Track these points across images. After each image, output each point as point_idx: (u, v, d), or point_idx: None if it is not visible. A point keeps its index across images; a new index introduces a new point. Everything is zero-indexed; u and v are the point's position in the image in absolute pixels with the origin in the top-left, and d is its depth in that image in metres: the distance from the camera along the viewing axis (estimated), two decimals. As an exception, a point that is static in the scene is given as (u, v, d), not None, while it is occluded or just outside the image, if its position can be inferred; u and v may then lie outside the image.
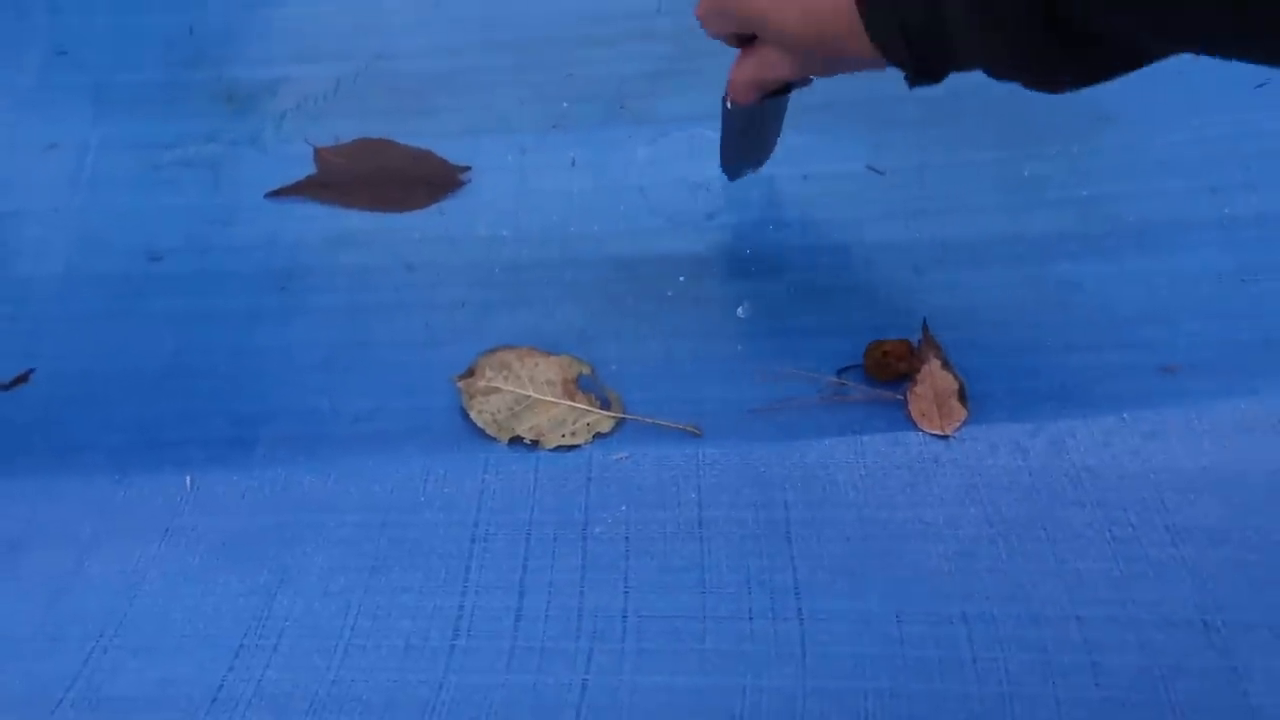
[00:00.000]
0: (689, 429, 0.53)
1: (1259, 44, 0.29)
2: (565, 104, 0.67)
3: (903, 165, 0.62)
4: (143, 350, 0.60)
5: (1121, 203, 0.59)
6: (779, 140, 0.58)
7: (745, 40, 0.48)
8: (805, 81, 0.50)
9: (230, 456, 0.55)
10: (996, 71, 0.37)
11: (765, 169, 0.61)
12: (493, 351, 0.57)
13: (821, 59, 0.44)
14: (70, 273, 0.63)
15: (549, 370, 0.55)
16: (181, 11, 0.73)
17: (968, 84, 0.63)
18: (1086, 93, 0.59)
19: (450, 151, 0.66)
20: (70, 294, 0.63)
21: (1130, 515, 0.47)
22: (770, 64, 0.46)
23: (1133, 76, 0.56)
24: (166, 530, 0.52)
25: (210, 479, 0.54)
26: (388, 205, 0.64)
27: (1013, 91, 0.62)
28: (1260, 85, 0.60)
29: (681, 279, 0.59)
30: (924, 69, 0.40)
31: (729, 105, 0.52)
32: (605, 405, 0.54)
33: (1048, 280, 0.57)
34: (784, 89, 0.51)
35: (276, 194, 0.65)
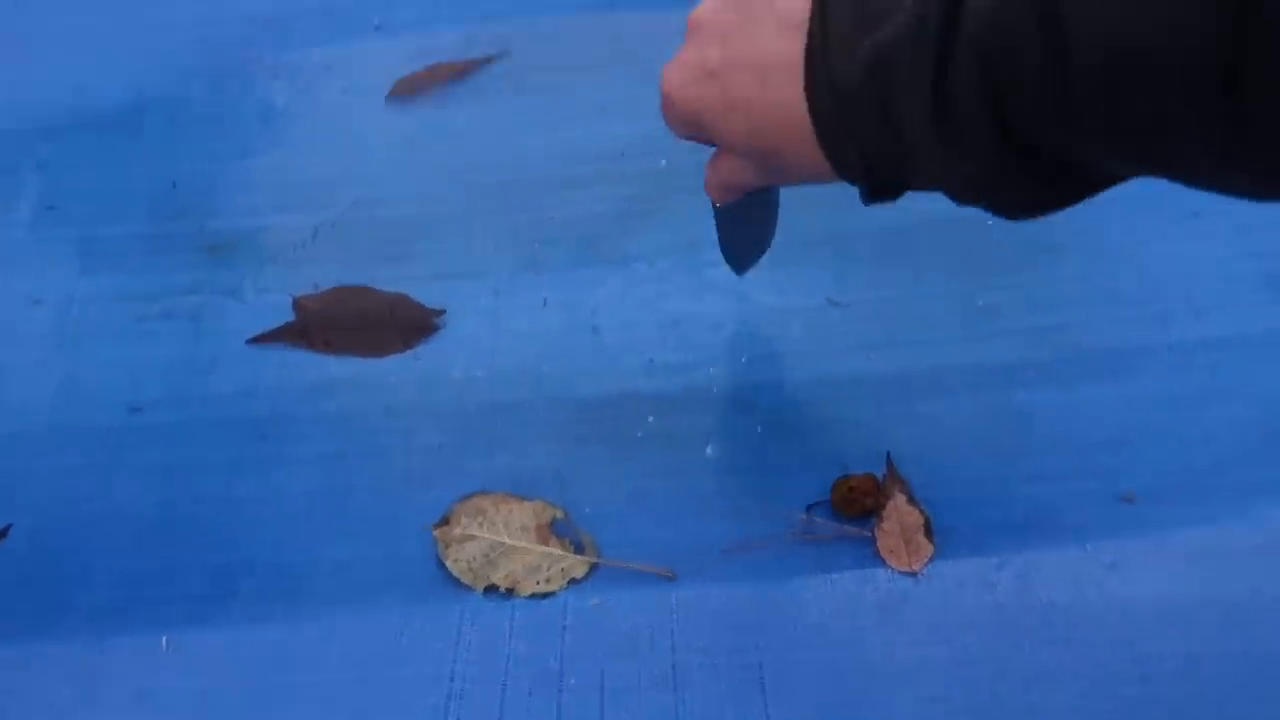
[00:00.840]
0: (662, 572, 0.54)
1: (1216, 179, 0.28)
2: (537, 245, 0.70)
3: (861, 299, 0.64)
4: (122, 505, 0.60)
5: (1073, 331, 0.61)
6: (776, 230, 0.57)
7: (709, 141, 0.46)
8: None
9: (208, 613, 0.55)
10: (956, 192, 0.36)
11: (730, 302, 0.63)
12: (468, 498, 0.58)
13: (778, 169, 0.42)
14: (52, 427, 0.64)
15: (523, 515, 0.56)
16: (166, 166, 0.75)
17: (921, 218, 0.66)
18: (1035, 225, 0.62)
19: (426, 295, 0.68)
20: (51, 448, 0.64)
21: (1099, 652, 0.48)
22: (732, 170, 0.44)
23: (1077, 209, 0.59)
24: (140, 694, 0.51)
25: (187, 638, 0.54)
26: (365, 351, 0.66)
27: (964, 224, 0.65)
28: (1195, 215, 0.63)
29: (651, 418, 0.60)
30: (880, 186, 0.38)
31: (715, 205, 0.51)
32: (579, 549, 0.55)
33: (1006, 409, 0.58)
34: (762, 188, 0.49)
35: (256, 340, 0.67)
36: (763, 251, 0.59)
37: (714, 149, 0.46)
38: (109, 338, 0.68)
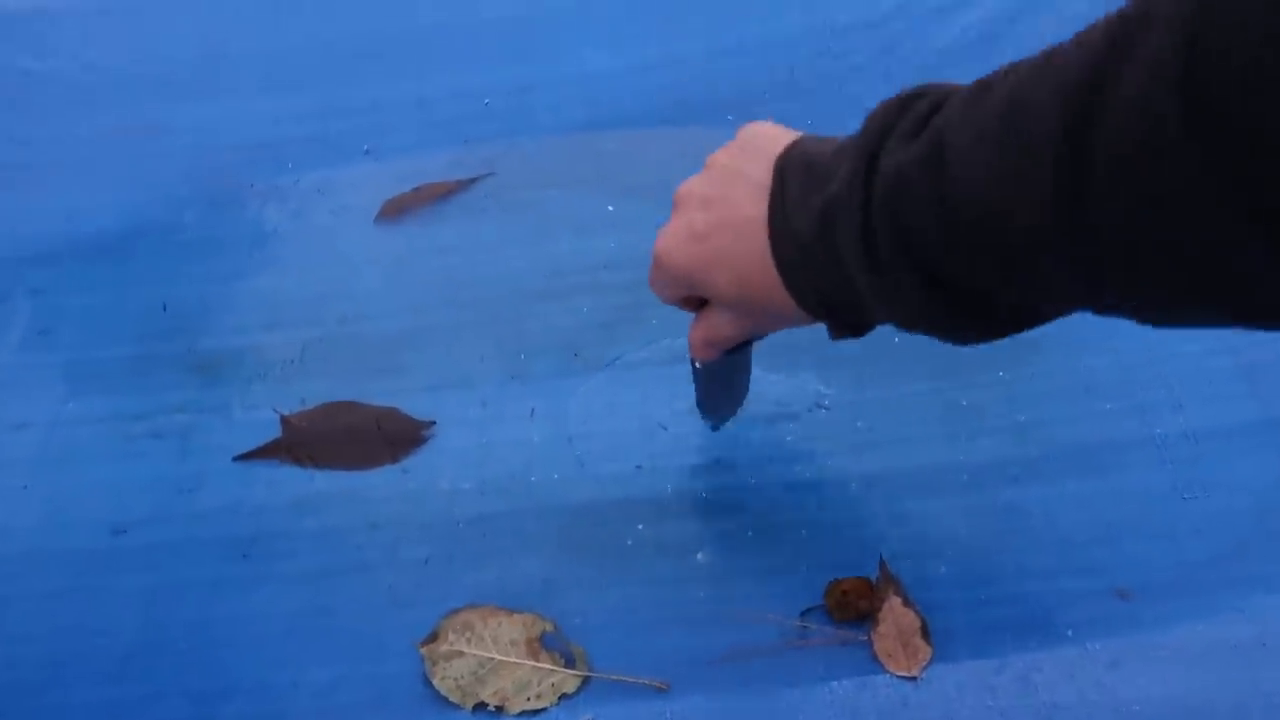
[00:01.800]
0: (655, 684, 0.53)
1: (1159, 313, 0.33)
2: (524, 356, 0.71)
3: (847, 400, 0.64)
4: (103, 630, 0.59)
5: (1056, 426, 0.62)
6: (750, 386, 0.61)
7: (697, 303, 0.52)
8: (760, 334, 0.53)
9: (187, 743, 0.53)
10: (908, 328, 0.40)
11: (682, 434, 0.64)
12: (455, 613, 0.56)
13: (760, 318, 0.48)
14: (33, 552, 0.63)
15: (512, 629, 0.55)
16: (157, 289, 0.77)
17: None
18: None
19: (414, 407, 0.68)
20: (32, 574, 0.62)
21: (1104, 754, 0.46)
22: (719, 325, 0.50)
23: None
24: (115, 832, 0.49)
25: (165, 770, 0.52)
26: (353, 464, 0.66)
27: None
28: (1167, 311, 0.65)
29: (640, 526, 0.60)
30: (844, 326, 0.44)
31: (696, 365, 0.55)
32: (570, 662, 0.54)
33: (995, 507, 0.58)
34: (743, 343, 0.53)
35: (243, 458, 0.66)
36: (738, 406, 0.62)
37: (693, 316, 0.52)
38: (95, 459, 0.68)
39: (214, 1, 0.95)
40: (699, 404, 0.61)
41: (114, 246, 0.81)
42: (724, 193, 0.45)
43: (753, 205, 0.42)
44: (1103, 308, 0.34)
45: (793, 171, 0.41)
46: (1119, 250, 0.29)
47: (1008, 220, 0.31)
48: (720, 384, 0.59)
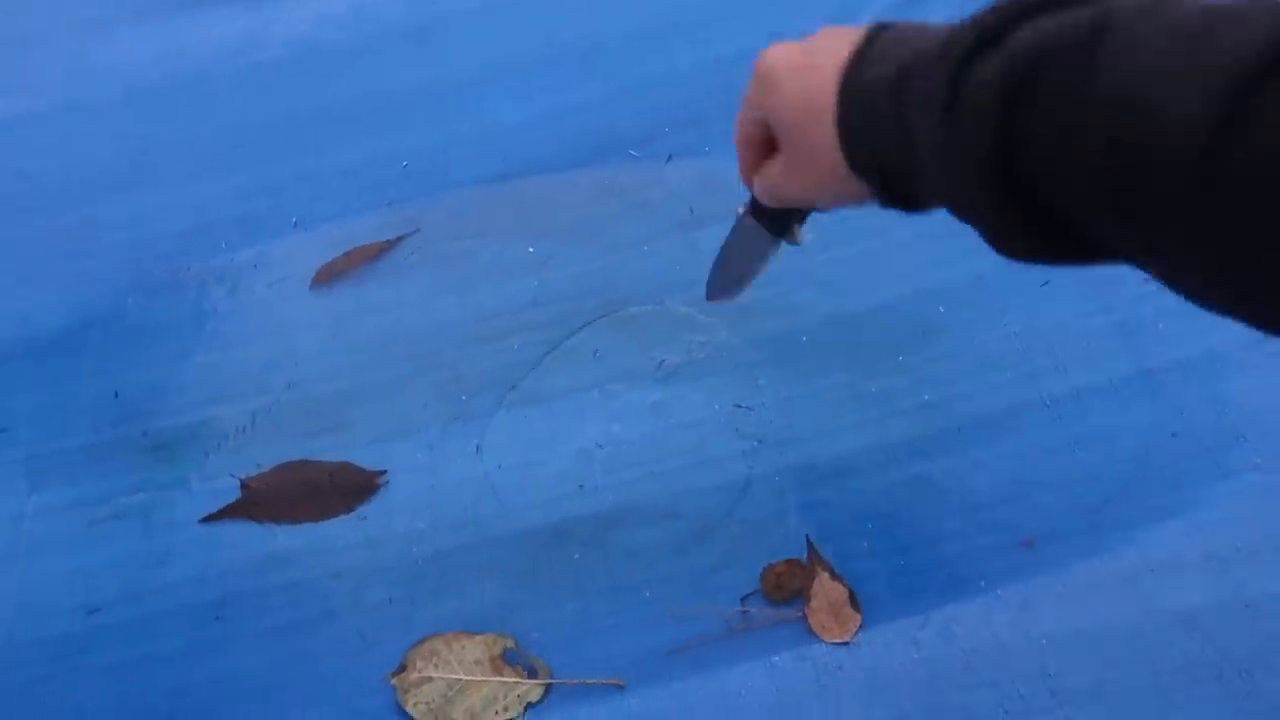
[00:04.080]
0: (613, 682, 0.56)
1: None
2: (464, 398, 0.75)
3: (765, 401, 0.69)
4: (85, 710, 0.62)
5: (958, 401, 0.67)
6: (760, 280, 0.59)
7: (759, 148, 0.48)
8: (811, 203, 0.49)
9: (177, 800, 0.56)
10: (954, 208, 0.37)
11: (646, 422, 0.68)
12: (421, 642, 0.60)
13: (810, 170, 0.44)
14: (10, 641, 0.66)
15: (475, 650, 0.59)
16: (107, 378, 0.80)
17: (810, 321, 0.72)
18: (910, 310, 0.68)
19: (365, 459, 0.72)
20: (10, 662, 0.65)
21: (1018, 687, 0.51)
22: (780, 178, 0.46)
23: (943, 291, 0.66)
24: None
25: (158, 827, 0.54)
26: (311, 518, 0.69)
27: (850, 320, 0.72)
28: (1044, 284, 0.70)
29: (587, 541, 0.64)
30: (892, 195, 0.40)
31: (740, 213, 0.55)
32: (532, 674, 0.58)
33: (909, 481, 0.63)
34: (784, 224, 0.53)
35: (209, 519, 0.70)
36: (739, 290, 0.61)
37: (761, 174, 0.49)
38: (62, 547, 0.70)
39: (136, 99, 0.99)
40: (712, 270, 0.60)
41: (62, 342, 0.84)
42: (828, 44, 0.42)
43: (843, 44, 0.40)
44: (1167, 272, 0.30)
45: (888, 34, 0.39)
46: (1244, 217, 0.26)
47: (1153, 121, 0.27)
48: (742, 254, 0.57)
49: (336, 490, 0.70)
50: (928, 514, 0.61)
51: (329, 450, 0.73)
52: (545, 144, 0.89)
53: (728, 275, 0.61)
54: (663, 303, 0.75)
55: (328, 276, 0.83)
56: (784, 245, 0.55)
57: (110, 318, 0.86)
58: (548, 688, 0.57)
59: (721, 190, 0.80)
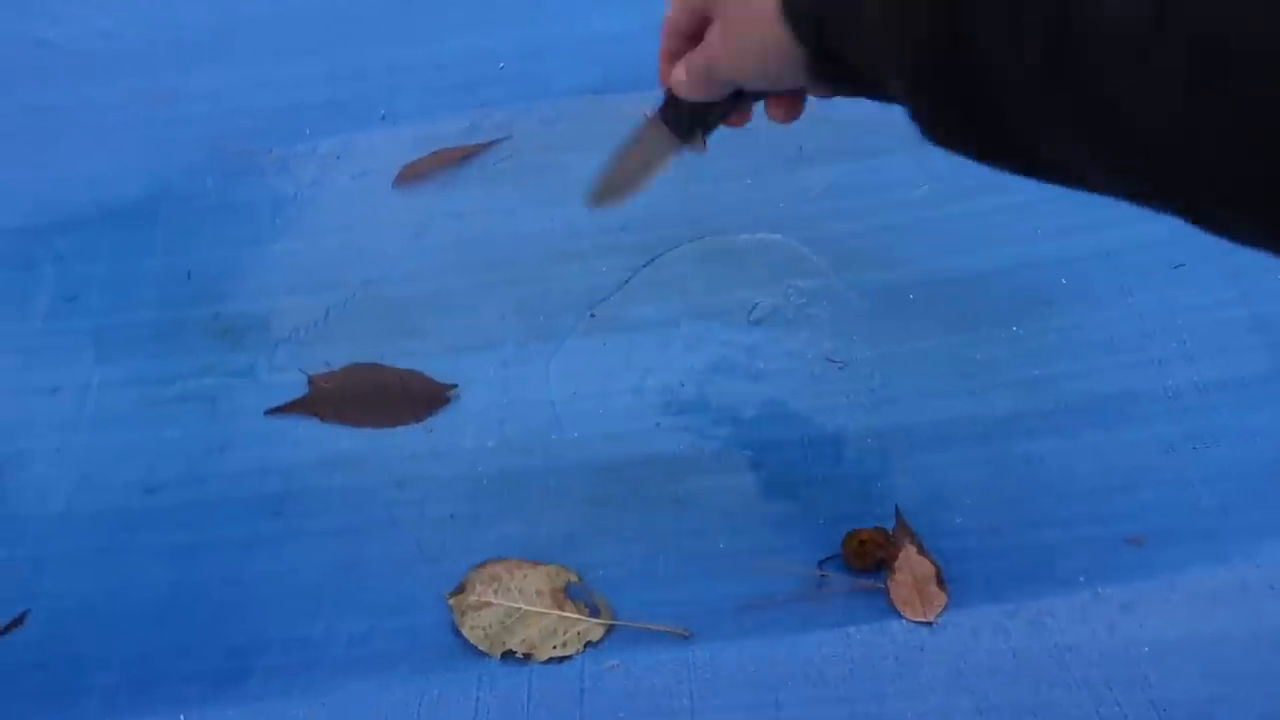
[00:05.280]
0: (678, 632, 0.54)
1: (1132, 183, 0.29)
2: (543, 318, 0.71)
3: (860, 357, 0.65)
4: (139, 586, 0.61)
5: (1070, 380, 0.62)
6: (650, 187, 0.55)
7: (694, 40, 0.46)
8: (743, 83, 0.45)
9: (224, 692, 0.55)
10: (894, 84, 0.35)
11: (733, 363, 0.64)
12: (482, 565, 0.58)
13: (744, 47, 0.41)
14: (69, 511, 0.65)
15: (538, 580, 0.57)
16: (180, 255, 0.78)
17: (914, 277, 0.68)
18: (1027, 278, 0.64)
19: (437, 370, 0.69)
20: (68, 532, 0.64)
21: (1115, 693, 0.48)
22: (709, 46, 0.43)
23: (1065, 262, 0.61)
24: (161, 775, 0.51)
25: (204, 716, 0.54)
26: (378, 423, 0.67)
27: (958, 282, 0.67)
28: (1178, 266, 0.65)
29: (660, 480, 0.61)
30: (827, 73, 0.39)
31: (646, 114, 0.52)
32: (595, 612, 0.55)
33: (1009, 459, 0.59)
34: (691, 128, 0.50)
35: (274, 411, 0.68)
36: (627, 196, 0.55)
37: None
38: (126, 422, 0.69)
39: (226, -32, 0.95)
40: (607, 168, 0.55)
41: (136, 213, 0.82)
42: None
43: None
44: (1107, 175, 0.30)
45: None
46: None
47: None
48: (644, 154, 0.53)
49: (406, 399, 0.67)
50: (1028, 496, 0.57)
51: (401, 356, 0.70)
52: (649, 58, 0.84)
53: (617, 179, 0.55)
54: (760, 236, 0.71)
55: (412, 175, 0.80)
56: (684, 151, 0.52)
57: (186, 193, 0.83)
58: (609, 628, 0.55)
59: (832, 128, 0.75)
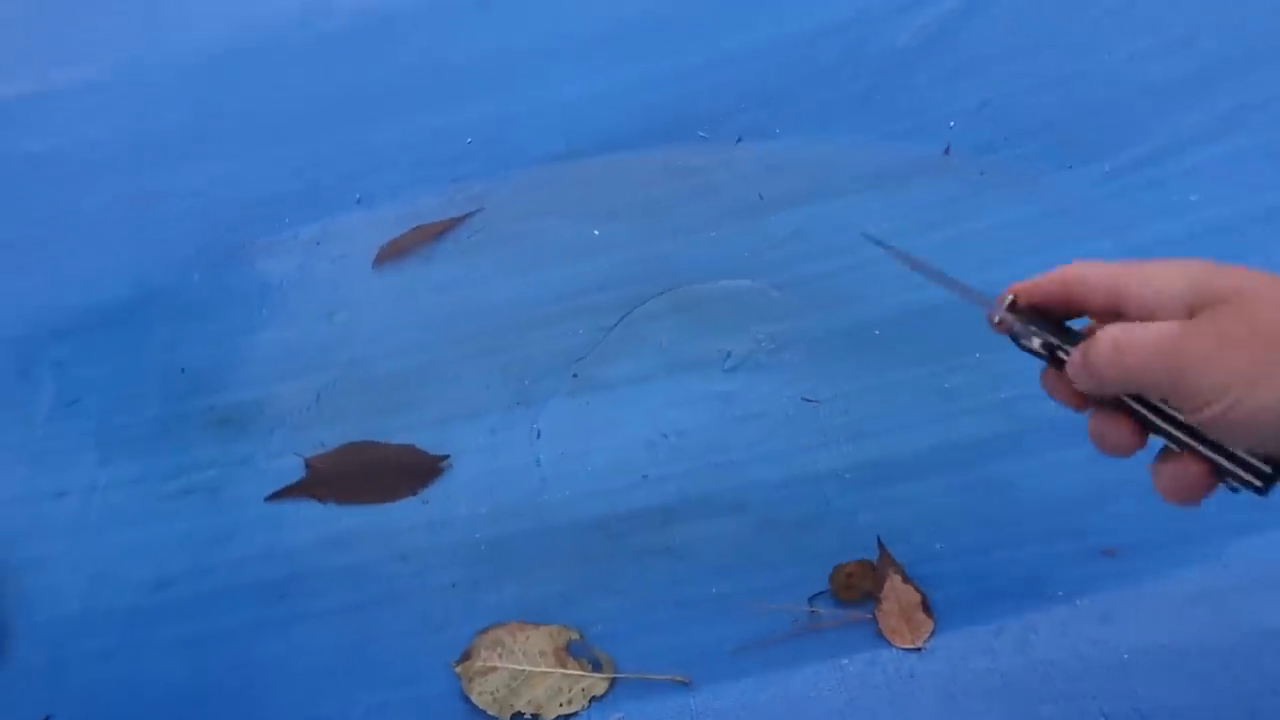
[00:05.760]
0: (678, 679, 0.56)
1: None
2: (527, 382, 0.74)
3: (834, 394, 0.68)
4: (155, 681, 0.63)
5: (1036, 401, 0.64)
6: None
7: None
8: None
9: (245, 776, 0.57)
10: None
11: (711, 412, 0.67)
12: (486, 630, 0.60)
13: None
14: (85, 612, 0.67)
15: (540, 641, 0.59)
16: (173, 351, 0.80)
17: (879, 314, 0.70)
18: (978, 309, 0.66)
19: (428, 441, 0.72)
20: (85, 633, 0.66)
21: (1101, 704, 0.49)
22: (1189, 352, 0.33)
23: (1027, 270, 0.63)
24: None
25: (228, 803, 0.55)
26: (375, 499, 0.69)
27: (923, 314, 0.70)
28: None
29: (651, 532, 0.63)
30: None
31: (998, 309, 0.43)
32: (597, 667, 0.57)
33: (983, 482, 0.61)
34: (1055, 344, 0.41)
35: (274, 497, 0.70)
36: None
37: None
38: (133, 520, 0.72)
39: (202, 68, 0.99)
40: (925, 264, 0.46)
41: (129, 313, 0.85)
42: None
43: None
44: None
45: None
46: None
47: None
48: (958, 287, 0.45)
49: (401, 473, 0.70)
50: (1004, 517, 0.59)
51: (391, 430, 0.73)
52: (612, 121, 0.88)
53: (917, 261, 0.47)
54: (729, 283, 0.74)
55: (392, 253, 0.83)
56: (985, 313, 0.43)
57: (174, 289, 0.86)
58: (612, 681, 0.56)
59: (791, 174, 0.78)
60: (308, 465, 0.71)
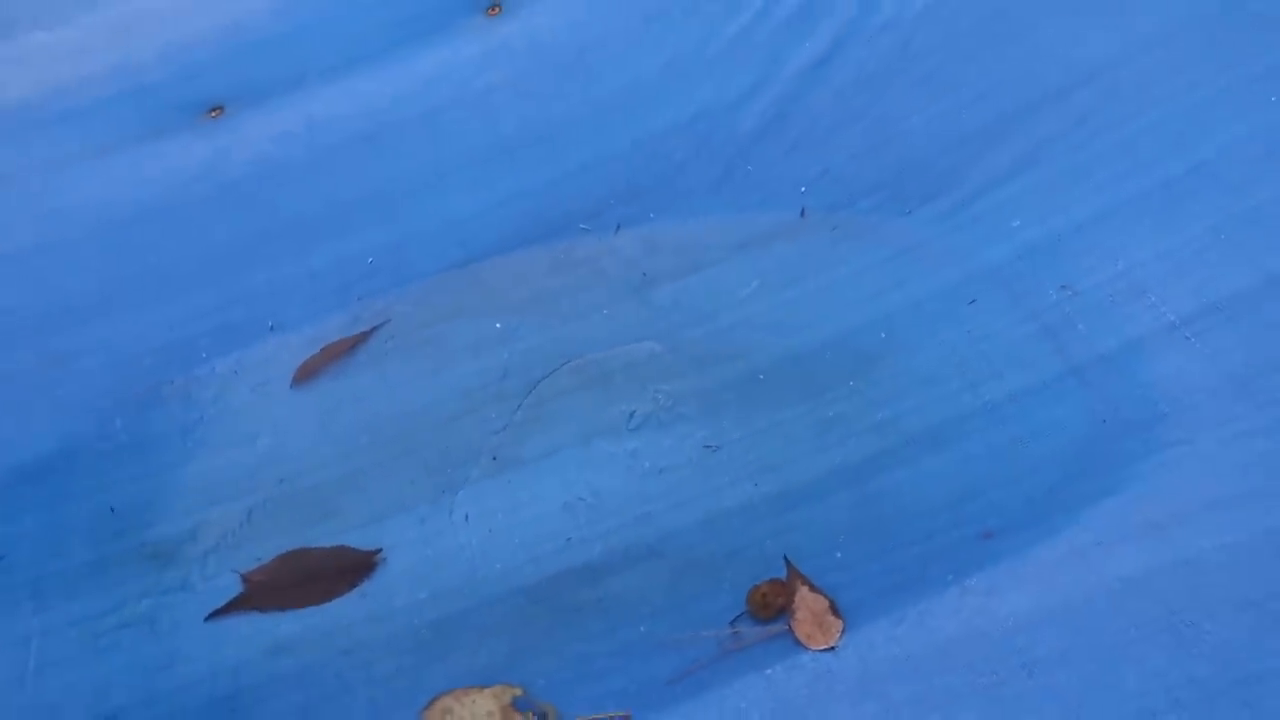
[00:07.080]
0: (621, 715, 0.60)
1: None
2: (449, 471, 0.78)
3: (732, 438, 0.74)
4: (112, 809, 0.63)
5: (907, 416, 0.72)
6: None
7: None
8: None
9: None
10: None
11: (623, 473, 0.72)
12: (434, 701, 0.63)
13: None
14: (31, 759, 0.67)
15: (486, 702, 0.62)
16: (100, 495, 0.82)
17: (763, 361, 0.78)
18: (854, 340, 0.74)
19: (360, 541, 0.75)
20: (33, 779, 0.66)
21: (993, 665, 0.55)
22: None
23: (882, 319, 0.71)
24: None
25: None
26: (315, 602, 0.72)
27: (799, 356, 0.77)
28: (972, 302, 0.77)
29: (581, 588, 0.68)
30: None
31: None
32: (542, 718, 0.60)
33: (872, 494, 0.68)
34: None
35: (214, 615, 0.72)
36: None
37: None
38: (73, 662, 0.72)
39: (105, 231, 1.03)
40: None
41: (53, 468, 0.86)
42: None
43: None
44: None
45: None
46: None
47: None
48: None
49: (337, 572, 0.73)
50: (893, 522, 0.66)
51: (324, 537, 0.76)
52: (501, 227, 0.95)
53: None
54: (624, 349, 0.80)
55: (307, 373, 0.88)
56: None
57: (99, 438, 0.88)
58: (559, 729, 0.60)
59: (667, 252, 0.86)
60: (245, 580, 0.73)
